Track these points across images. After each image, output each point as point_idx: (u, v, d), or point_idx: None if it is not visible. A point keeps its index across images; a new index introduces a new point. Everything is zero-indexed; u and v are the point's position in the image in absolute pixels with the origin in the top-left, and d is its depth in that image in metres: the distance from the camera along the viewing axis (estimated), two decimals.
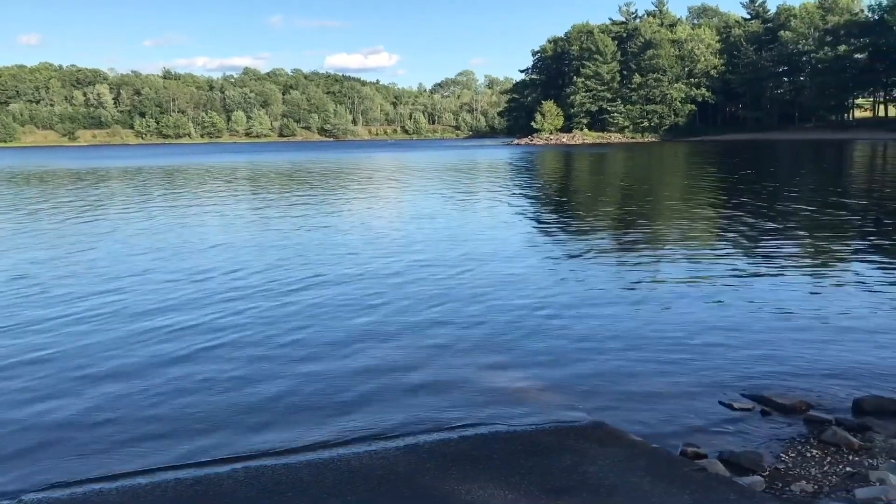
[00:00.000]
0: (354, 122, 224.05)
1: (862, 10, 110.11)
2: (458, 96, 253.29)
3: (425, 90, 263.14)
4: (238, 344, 8.27)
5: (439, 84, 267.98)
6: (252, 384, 6.98)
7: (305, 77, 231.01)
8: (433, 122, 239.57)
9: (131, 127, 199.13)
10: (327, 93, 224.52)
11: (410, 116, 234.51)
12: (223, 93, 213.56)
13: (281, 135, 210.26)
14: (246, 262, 13.44)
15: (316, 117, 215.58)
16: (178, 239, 16.89)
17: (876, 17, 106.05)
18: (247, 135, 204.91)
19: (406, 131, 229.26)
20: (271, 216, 21.46)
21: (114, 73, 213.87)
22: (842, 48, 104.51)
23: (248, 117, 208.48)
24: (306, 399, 6.58)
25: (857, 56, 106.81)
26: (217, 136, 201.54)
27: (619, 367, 7.31)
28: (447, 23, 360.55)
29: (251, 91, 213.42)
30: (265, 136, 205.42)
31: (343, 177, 42.00)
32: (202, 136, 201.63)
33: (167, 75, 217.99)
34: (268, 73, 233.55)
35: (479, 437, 5.60)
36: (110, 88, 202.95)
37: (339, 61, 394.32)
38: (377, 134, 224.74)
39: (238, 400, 6.59)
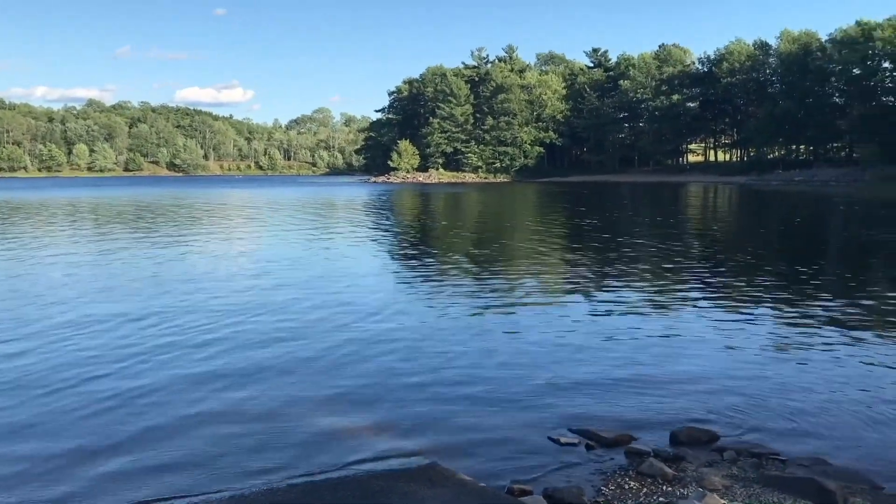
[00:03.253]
0: (206, 156, 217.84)
1: (693, 63, 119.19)
2: (315, 133, 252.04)
3: (281, 126, 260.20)
4: (63, 394, 7.74)
5: (295, 120, 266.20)
6: (73, 437, 6.53)
7: (154, 110, 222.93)
8: (289, 159, 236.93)
9: None
10: (177, 126, 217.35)
11: (265, 152, 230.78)
12: (64, 125, 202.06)
13: (127, 169, 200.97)
14: (86, 305, 12.67)
15: (165, 151, 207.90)
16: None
17: (705, 70, 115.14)
18: (89, 169, 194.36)
19: (260, 167, 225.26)
20: (116, 256, 20.36)
21: None
22: (676, 97, 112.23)
23: (92, 150, 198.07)
24: (128, 450, 6.22)
25: (690, 104, 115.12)
26: (57, 170, 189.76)
27: (456, 406, 7.39)
28: (304, 60, 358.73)
29: (95, 123, 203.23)
30: (109, 170, 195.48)
31: (192, 213, 40.57)
32: (40, 169, 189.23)
33: (0, 104, 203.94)
34: (113, 106, 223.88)
35: (309, 485, 5.48)
36: None
37: (190, 95, 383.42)
38: (230, 169, 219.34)
39: (45, 455, 6.14)
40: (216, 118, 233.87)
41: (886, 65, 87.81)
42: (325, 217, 38.32)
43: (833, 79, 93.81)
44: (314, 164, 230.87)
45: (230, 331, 10.65)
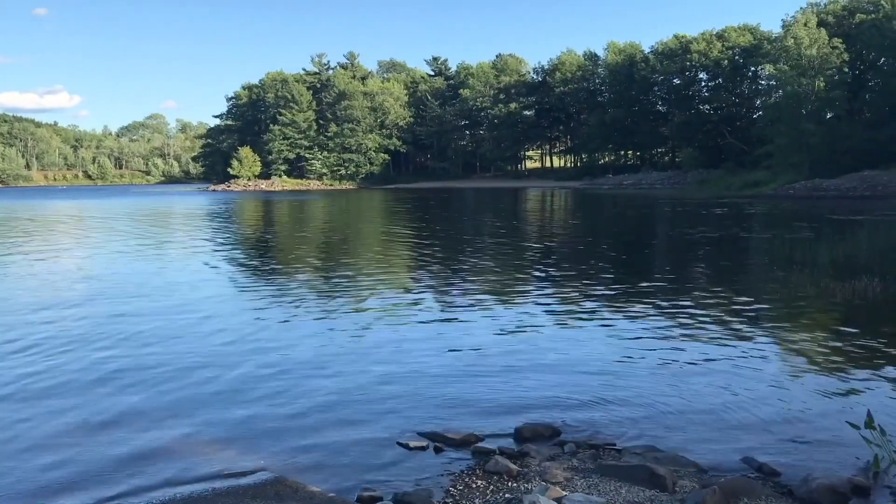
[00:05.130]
0: (28, 166, 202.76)
1: (528, 72, 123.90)
2: (149, 140, 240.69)
3: (111, 133, 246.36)
4: None
5: (127, 127, 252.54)
6: None
7: None
8: (121, 167, 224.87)
9: None
10: None
11: (94, 160, 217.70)
12: None
13: None
14: None
15: None
16: None
17: (539, 79, 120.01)
18: None
19: (89, 176, 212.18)
20: None
21: None
22: (513, 105, 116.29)
23: None
24: None
25: (526, 113, 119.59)
26: None
27: (304, 419, 7.27)
28: (135, 64, 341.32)
29: None
30: None
31: (9, 229, 37.59)
32: None
33: None
34: None
35: None
36: None
37: (9, 100, 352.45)
38: (55, 179, 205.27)
39: None
40: (39, 125, 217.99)
41: (702, 75, 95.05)
42: (161, 230, 36.62)
43: (656, 88, 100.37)
44: (148, 173, 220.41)
45: (65, 346, 9.97)
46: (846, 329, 11.09)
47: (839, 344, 10.09)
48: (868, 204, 42.18)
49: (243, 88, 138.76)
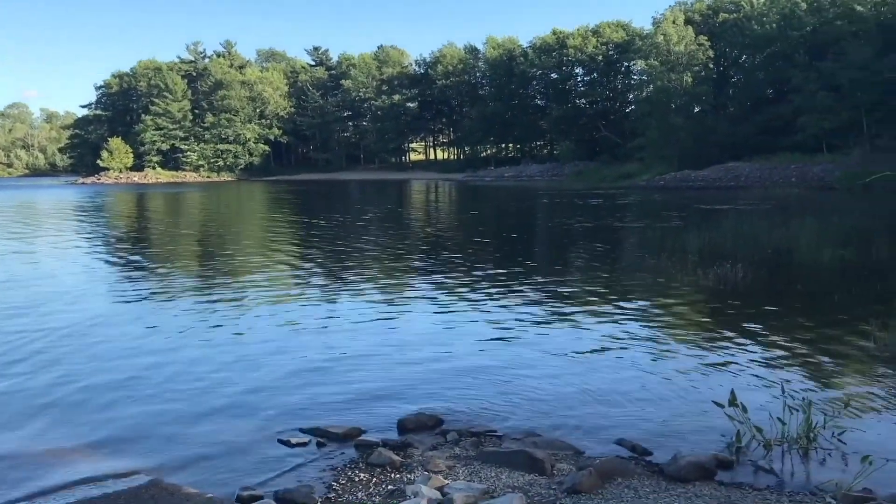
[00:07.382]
0: None
1: (411, 64, 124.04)
2: (10, 130, 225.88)
3: None
4: None
5: None
6: None
7: None
8: None
9: None
10: None
11: None
12: None
13: None
14: None
15: None
16: None
17: (422, 72, 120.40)
18: None
19: None
20: None
21: None
22: (396, 97, 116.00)
23: None
24: None
25: (410, 105, 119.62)
26: None
27: (180, 420, 7.03)
28: None
29: None
30: None
31: None
32: None
33: None
34: None
35: None
36: None
37: None
38: None
39: None
40: None
41: (578, 70, 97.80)
42: (24, 226, 34.49)
43: (534, 82, 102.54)
44: (10, 165, 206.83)
45: None
46: (712, 313, 11.73)
47: (705, 328, 10.66)
48: (732, 194, 44.63)
49: (113, 77, 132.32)
